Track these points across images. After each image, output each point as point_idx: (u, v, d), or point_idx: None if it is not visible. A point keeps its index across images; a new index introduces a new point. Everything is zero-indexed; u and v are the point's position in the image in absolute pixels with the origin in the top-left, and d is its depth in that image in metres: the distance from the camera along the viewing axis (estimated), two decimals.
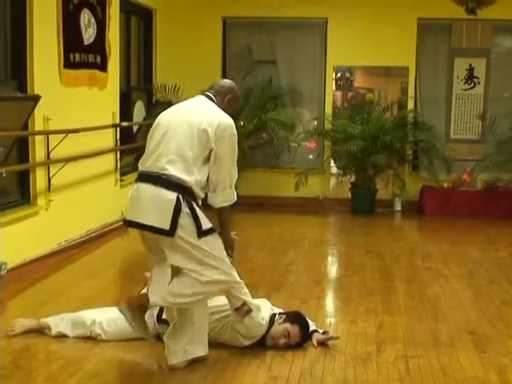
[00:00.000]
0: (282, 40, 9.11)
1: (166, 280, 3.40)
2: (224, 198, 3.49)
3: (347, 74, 10.82)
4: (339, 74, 10.04)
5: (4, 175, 4.85)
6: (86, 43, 6.21)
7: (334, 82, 9.40)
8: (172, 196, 3.26)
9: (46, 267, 5.46)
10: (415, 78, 8.96)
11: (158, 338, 3.77)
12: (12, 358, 3.62)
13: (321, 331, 4.00)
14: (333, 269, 6.22)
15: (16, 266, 5.10)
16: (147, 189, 3.32)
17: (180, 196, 3.28)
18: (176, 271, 3.42)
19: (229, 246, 3.56)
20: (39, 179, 5.56)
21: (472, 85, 8.91)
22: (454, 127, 9.00)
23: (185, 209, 3.28)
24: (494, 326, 4.33)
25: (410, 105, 8.99)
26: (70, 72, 5.92)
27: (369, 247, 6.75)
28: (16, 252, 5.12)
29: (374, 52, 8.83)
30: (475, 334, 4.17)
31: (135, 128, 7.96)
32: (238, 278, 3.57)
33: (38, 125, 5.44)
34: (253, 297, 3.99)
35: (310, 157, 9.29)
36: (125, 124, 7.27)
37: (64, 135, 5.64)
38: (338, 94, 10.50)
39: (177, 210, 3.25)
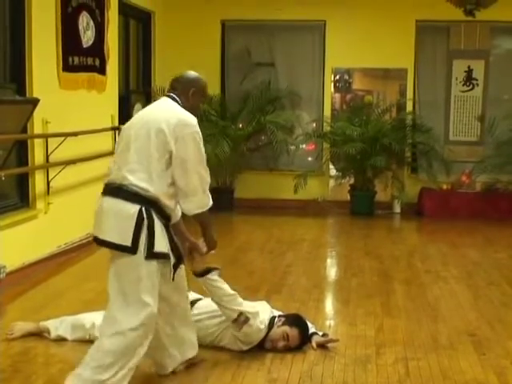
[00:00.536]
0: (281, 42, 9.12)
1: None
2: (197, 204, 3.13)
3: (346, 76, 10.84)
4: (338, 76, 10.06)
5: (3, 178, 4.85)
6: (84, 46, 6.22)
7: (332, 84, 9.41)
8: (134, 209, 2.99)
9: (46, 270, 5.46)
10: (414, 79, 8.98)
11: None
12: (11, 361, 3.61)
13: (320, 333, 4.00)
14: (332, 271, 6.22)
15: (15, 269, 5.10)
16: (109, 202, 3.06)
17: (143, 208, 2.99)
18: None
19: (212, 247, 3.40)
20: (38, 182, 5.56)
21: (471, 87, 8.92)
22: (453, 129, 9.01)
23: (146, 223, 2.99)
24: (494, 328, 4.33)
25: (409, 107, 9.00)
26: (69, 75, 5.92)
27: (368, 249, 6.75)
28: (15, 255, 5.12)
29: (373, 54, 8.84)
30: (475, 335, 4.17)
31: None
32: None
33: (37, 128, 5.44)
34: (252, 299, 4.00)
35: (309, 159, 9.30)
36: (123, 127, 7.26)
37: (63, 138, 5.64)
38: (337, 96, 10.52)
39: (138, 225, 2.97)
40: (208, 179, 3.17)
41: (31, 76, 5.36)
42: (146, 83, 8.61)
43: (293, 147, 9.02)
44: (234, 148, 8.45)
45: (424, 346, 3.98)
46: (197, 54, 8.87)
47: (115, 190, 3.05)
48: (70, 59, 5.94)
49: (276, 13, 8.78)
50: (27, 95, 5.29)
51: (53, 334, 3.91)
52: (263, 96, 8.80)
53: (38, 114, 5.23)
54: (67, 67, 5.89)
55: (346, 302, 4.90)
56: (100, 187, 3.20)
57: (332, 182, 9.30)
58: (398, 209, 8.86)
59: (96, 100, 6.57)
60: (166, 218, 3.13)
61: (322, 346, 3.90)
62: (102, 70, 6.60)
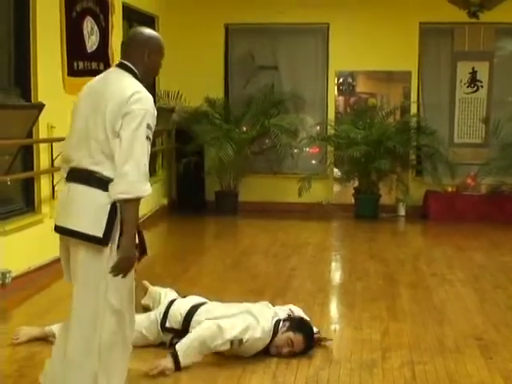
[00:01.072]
0: (284, 46, 9.12)
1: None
2: (125, 188, 2.70)
3: (349, 79, 10.81)
4: (341, 79, 10.04)
5: (9, 183, 4.87)
6: (89, 51, 6.23)
7: (336, 87, 9.41)
8: (107, 199, 2.75)
9: (51, 275, 5.44)
10: (418, 82, 8.97)
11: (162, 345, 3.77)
12: (17, 366, 3.62)
13: (315, 330, 4.00)
14: (337, 274, 6.21)
15: (21, 273, 5.10)
16: (77, 189, 2.82)
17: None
18: None
19: (121, 264, 2.72)
20: (43, 187, 5.56)
21: (475, 88, 8.91)
22: (458, 131, 8.99)
23: (119, 214, 2.76)
24: (500, 332, 4.31)
25: (413, 109, 8.99)
26: (74, 80, 5.93)
27: (373, 252, 6.73)
28: (21, 260, 5.12)
29: (376, 57, 8.83)
30: (481, 339, 4.15)
31: None
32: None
33: (42, 133, 5.45)
34: (256, 302, 4.01)
35: (313, 162, 9.30)
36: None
37: None
38: (341, 99, 10.50)
39: (111, 216, 2.74)
40: (145, 165, 2.80)
41: (36, 81, 5.36)
42: (149, 87, 8.58)
43: (296, 150, 9.02)
44: (238, 151, 8.45)
45: (430, 349, 3.96)
46: (200, 58, 8.89)
47: (82, 176, 2.79)
48: (75, 64, 5.96)
49: (279, 16, 8.79)
50: (32, 100, 5.30)
51: None
52: (267, 99, 8.80)
53: (43, 119, 5.24)
54: (72, 72, 5.90)
55: (351, 306, 4.89)
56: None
57: (336, 186, 9.28)
58: (402, 212, 8.84)
59: None
60: None
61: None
62: None
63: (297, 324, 3.90)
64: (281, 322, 3.87)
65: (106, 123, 2.74)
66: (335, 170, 9.15)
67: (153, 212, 8.17)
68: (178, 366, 3.53)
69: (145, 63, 2.92)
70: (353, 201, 8.85)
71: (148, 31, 3.01)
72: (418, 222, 8.60)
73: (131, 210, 2.73)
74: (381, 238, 7.64)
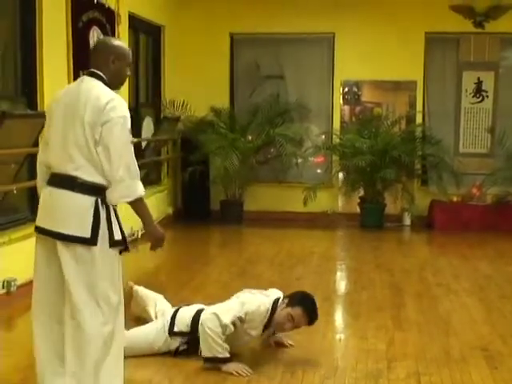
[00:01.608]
0: (290, 55, 9.15)
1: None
2: (122, 192, 2.89)
3: (355, 89, 10.85)
4: (347, 89, 10.07)
5: (15, 192, 4.88)
6: (91, 59, 6.24)
7: (341, 97, 9.43)
8: (89, 201, 2.91)
9: None
10: (423, 91, 8.97)
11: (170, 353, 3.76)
12: (23, 375, 3.60)
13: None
14: (342, 284, 6.19)
15: (26, 282, 5.10)
16: (60, 194, 2.96)
17: (98, 199, 2.92)
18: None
19: (155, 243, 3.09)
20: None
21: (480, 98, 8.91)
22: (463, 141, 8.99)
23: (103, 213, 2.93)
24: (506, 342, 4.29)
25: (419, 119, 8.99)
26: None
27: (378, 262, 6.72)
28: (26, 268, 5.10)
29: (382, 66, 8.85)
30: (487, 349, 4.13)
31: (144, 144, 8.00)
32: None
33: None
34: None
35: (318, 171, 9.30)
36: (133, 140, 7.28)
37: None
38: (346, 108, 10.53)
39: (96, 216, 2.91)
40: (136, 167, 2.92)
41: (42, 90, 5.40)
42: (155, 96, 8.65)
43: (300, 160, 9.01)
44: (244, 160, 8.47)
45: (436, 360, 3.94)
46: (206, 67, 8.93)
47: (65, 181, 2.93)
48: (81, 73, 5.96)
49: (285, 26, 8.82)
50: (38, 109, 5.32)
51: None
52: (272, 109, 8.82)
53: None
54: None
55: (357, 316, 4.87)
56: None
57: (341, 195, 9.27)
58: (408, 221, 8.82)
59: None
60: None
61: (281, 344, 4.07)
62: None
63: (296, 298, 3.85)
64: (280, 300, 3.85)
65: (86, 130, 2.88)
66: (340, 176, 9.14)
67: (158, 221, 8.18)
68: (223, 360, 3.63)
69: (110, 70, 3.04)
70: (358, 210, 8.84)
71: (113, 40, 3.22)
72: (424, 232, 8.58)
73: (137, 208, 2.96)
74: (386, 247, 7.62)
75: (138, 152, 7.69)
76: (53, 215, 2.97)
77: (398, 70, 8.85)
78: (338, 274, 6.56)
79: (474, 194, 8.65)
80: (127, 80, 3.28)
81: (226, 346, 3.66)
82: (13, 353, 3.95)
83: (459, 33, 8.73)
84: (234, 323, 3.66)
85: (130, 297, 4.34)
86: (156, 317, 4.10)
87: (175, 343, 3.85)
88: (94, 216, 2.90)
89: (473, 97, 8.92)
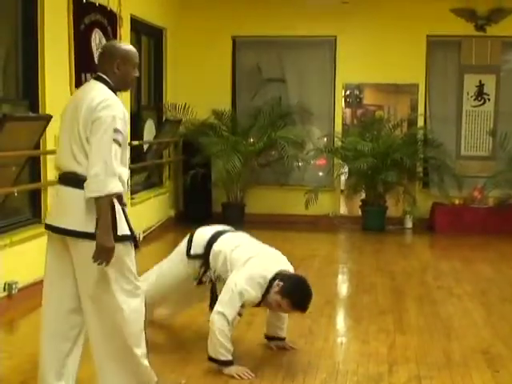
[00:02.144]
0: (292, 58, 9.15)
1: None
2: (94, 186, 2.87)
3: (356, 92, 10.83)
4: (348, 92, 10.05)
5: (16, 194, 4.88)
6: (97, 63, 6.24)
7: (343, 100, 9.42)
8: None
9: None
10: (425, 94, 8.97)
11: None
12: (23, 378, 3.60)
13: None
14: (344, 287, 6.19)
15: (27, 284, 5.10)
16: (66, 191, 3.05)
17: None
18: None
19: (97, 254, 2.88)
20: (50, 198, 5.57)
21: (482, 101, 8.90)
22: (465, 144, 8.98)
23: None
24: (507, 345, 4.28)
25: (420, 122, 8.98)
26: None
27: (380, 265, 6.71)
28: (27, 271, 5.12)
29: (384, 69, 8.85)
30: (488, 353, 4.12)
31: (145, 147, 8.00)
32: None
33: (50, 144, 5.46)
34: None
35: (320, 174, 9.29)
36: (135, 143, 7.30)
37: None
38: (348, 111, 10.51)
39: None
40: (114, 165, 2.89)
41: (44, 93, 5.39)
42: (157, 99, 8.66)
43: (301, 163, 9.01)
44: (245, 163, 8.47)
45: (437, 363, 3.93)
46: (208, 70, 8.94)
47: (69, 178, 3.03)
48: (83, 76, 5.99)
49: (286, 29, 8.82)
50: (40, 112, 5.32)
51: None
52: (274, 111, 8.82)
53: (51, 131, 5.25)
54: (80, 84, 5.89)
55: (358, 319, 4.86)
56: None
57: (343, 198, 9.26)
58: (409, 224, 8.82)
59: None
60: (120, 200, 3.03)
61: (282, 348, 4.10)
62: None
63: (288, 287, 3.73)
64: (275, 282, 3.75)
65: (80, 128, 2.97)
66: (342, 177, 9.14)
67: (160, 223, 8.19)
68: (225, 362, 3.66)
69: (116, 74, 3.10)
70: (360, 213, 8.83)
71: (118, 44, 3.30)
72: (425, 235, 8.57)
73: (102, 206, 2.89)
74: (388, 250, 7.62)
75: (140, 154, 7.70)
76: (59, 211, 3.07)
77: (399, 72, 8.85)
78: (340, 276, 6.56)
79: (476, 197, 8.64)
80: (135, 82, 3.30)
81: (231, 347, 3.67)
82: (13, 355, 3.94)
83: (461, 36, 8.72)
84: (239, 313, 3.70)
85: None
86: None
87: (194, 267, 3.97)
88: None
89: (474, 100, 8.91)
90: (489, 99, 8.87)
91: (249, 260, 3.85)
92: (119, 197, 3.02)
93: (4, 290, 4.87)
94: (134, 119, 7.47)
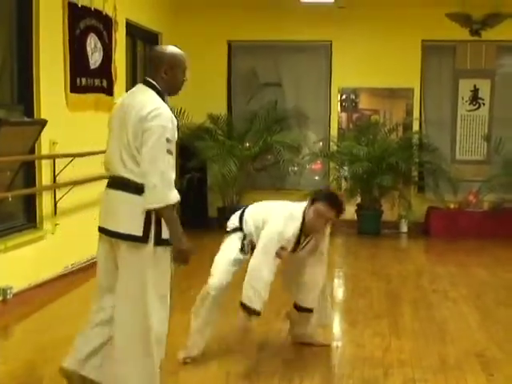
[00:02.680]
0: (287, 63, 9.17)
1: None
2: (154, 198, 2.97)
3: (352, 96, 10.87)
4: (344, 96, 10.09)
5: (10, 199, 4.88)
6: (92, 67, 6.26)
7: (339, 104, 9.45)
8: (142, 200, 3.02)
9: (53, 291, 5.45)
10: (420, 99, 9.00)
11: None
12: (18, 383, 3.60)
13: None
14: (339, 291, 6.18)
15: (22, 290, 5.10)
16: (116, 195, 3.12)
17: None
18: None
19: (177, 257, 3.09)
20: (45, 203, 5.58)
21: (477, 106, 8.93)
22: (460, 148, 9.01)
23: (154, 213, 3.04)
24: (502, 349, 4.29)
25: (415, 126, 9.01)
26: (77, 96, 5.97)
27: (375, 269, 6.72)
28: (22, 276, 5.12)
29: (379, 74, 8.87)
30: (483, 356, 4.13)
31: None
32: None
33: (45, 149, 5.47)
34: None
35: (316, 178, 9.30)
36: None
37: (70, 159, 5.67)
38: (343, 115, 10.55)
39: (148, 215, 3.02)
40: (170, 175, 2.99)
41: (39, 97, 5.39)
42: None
43: (297, 168, 9.02)
44: (241, 167, 8.47)
45: (432, 367, 3.94)
46: (203, 75, 8.92)
47: (119, 183, 3.09)
48: (78, 80, 5.99)
49: (282, 33, 8.84)
50: (35, 116, 5.32)
51: None
52: (270, 116, 8.84)
53: (46, 135, 5.27)
54: (75, 88, 5.93)
55: (354, 323, 4.87)
56: None
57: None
58: (404, 228, 8.84)
59: (103, 121, 6.51)
60: None
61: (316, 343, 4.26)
62: (109, 91, 6.64)
63: (321, 194, 4.08)
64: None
65: (130, 137, 3.02)
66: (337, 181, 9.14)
67: None
68: (254, 312, 3.77)
69: (164, 80, 3.14)
70: (355, 217, 8.84)
71: (164, 48, 3.29)
72: (420, 239, 8.58)
73: (166, 215, 3.02)
74: (383, 254, 7.62)
75: None
76: (109, 214, 3.14)
77: (394, 77, 8.88)
78: (335, 281, 6.55)
79: (471, 201, 8.67)
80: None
81: (266, 298, 3.79)
82: (8, 360, 3.94)
83: (456, 41, 8.76)
84: (279, 256, 3.83)
85: None
86: None
87: (237, 236, 4.25)
88: (146, 215, 3.01)
89: (469, 104, 8.94)
90: (483, 104, 8.90)
91: (275, 210, 4.15)
92: None
93: None
94: None
